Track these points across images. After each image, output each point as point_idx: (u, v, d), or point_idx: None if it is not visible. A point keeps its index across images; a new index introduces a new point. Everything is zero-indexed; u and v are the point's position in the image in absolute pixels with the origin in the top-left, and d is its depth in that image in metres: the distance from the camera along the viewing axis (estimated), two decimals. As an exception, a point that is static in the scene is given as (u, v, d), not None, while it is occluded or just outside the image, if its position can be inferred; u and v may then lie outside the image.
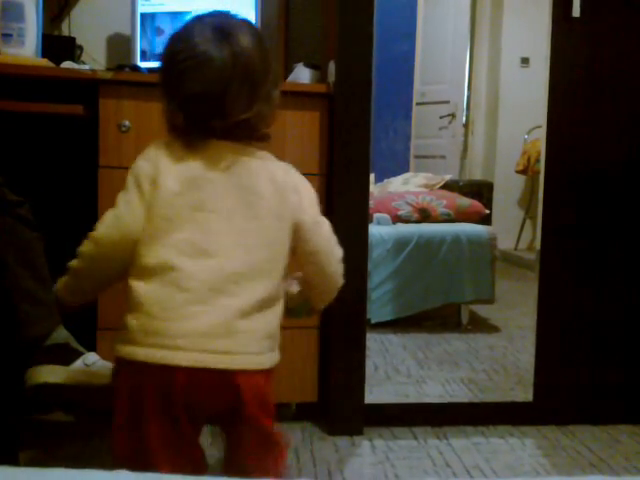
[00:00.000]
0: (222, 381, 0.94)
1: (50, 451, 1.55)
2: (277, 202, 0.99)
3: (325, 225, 1.07)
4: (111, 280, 1.04)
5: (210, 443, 1.38)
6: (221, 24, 0.99)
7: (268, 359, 0.98)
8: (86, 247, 1.01)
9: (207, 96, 0.96)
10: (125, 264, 0.98)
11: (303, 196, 1.03)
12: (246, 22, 1.04)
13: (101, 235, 0.99)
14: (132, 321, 0.94)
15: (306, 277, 1.10)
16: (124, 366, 0.95)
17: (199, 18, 1.01)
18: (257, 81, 0.99)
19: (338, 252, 1.09)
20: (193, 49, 0.96)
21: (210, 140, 0.99)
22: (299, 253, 1.04)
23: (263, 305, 0.97)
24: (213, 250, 0.95)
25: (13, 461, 1.35)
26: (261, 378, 0.97)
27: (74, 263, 1.03)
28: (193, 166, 0.97)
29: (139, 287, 0.94)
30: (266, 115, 1.01)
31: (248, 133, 1.00)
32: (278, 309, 1.00)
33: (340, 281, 1.11)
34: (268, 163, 1.02)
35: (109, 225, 0.98)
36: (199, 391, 0.93)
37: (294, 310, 1.13)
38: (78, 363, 1.32)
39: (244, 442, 1.00)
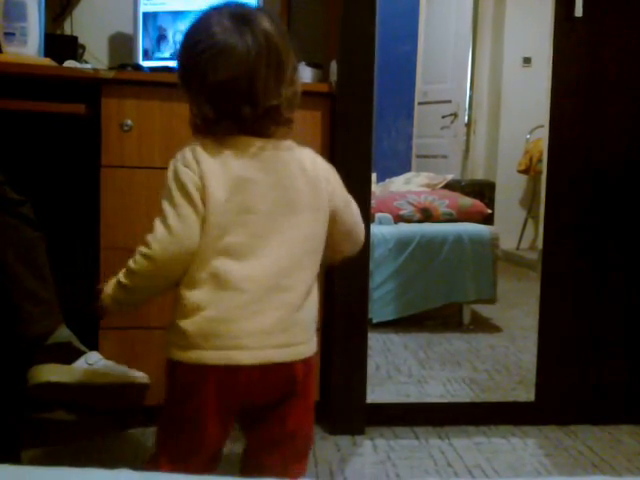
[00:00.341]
0: (282, 373, 0.98)
1: (52, 450, 1.55)
2: (312, 194, 1.01)
3: (353, 203, 1.11)
4: (164, 291, 1.01)
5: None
6: (238, 11, 0.98)
7: (315, 343, 1.04)
8: (142, 265, 0.96)
9: (235, 82, 0.95)
10: (180, 276, 0.97)
11: (333, 182, 1.05)
12: (261, 8, 1.05)
13: (159, 253, 0.94)
14: (189, 327, 0.94)
15: (336, 246, 1.11)
16: (184, 370, 0.96)
17: (214, 8, 0.99)
18: (282, 64, 0.98)
19: (362, 223, 1.14)
20: (213, 38, 0.95)
21: (240, 137, 0.98)
22: (335, 234, 1.07)
23: (308, 294, 1.01)
24: (261, 250, 0.96)
25: (15, 460, 1.36)
26: (311, 361, 1.03)
27: (127, 281, 0.99)
28: (234, 168, 0.96)
29: (192, 294, 0.95)
30: (292, 100, 1.00)
31: (276, 119, 0.99)
32: (316, 294, 1.04)
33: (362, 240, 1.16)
34: (295, 152, 1.02)
35: (165, 242, 0.94)
36: (261, 386, 0.97)
37: None
38: (80, 362, 1.33)
39: (276, 435, 1.02)
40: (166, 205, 0.95)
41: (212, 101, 0.96)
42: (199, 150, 0.97)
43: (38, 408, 1.58)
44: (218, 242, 0.95)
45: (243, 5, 1.02)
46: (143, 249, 0.95)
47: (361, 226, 1.14)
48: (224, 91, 0.95)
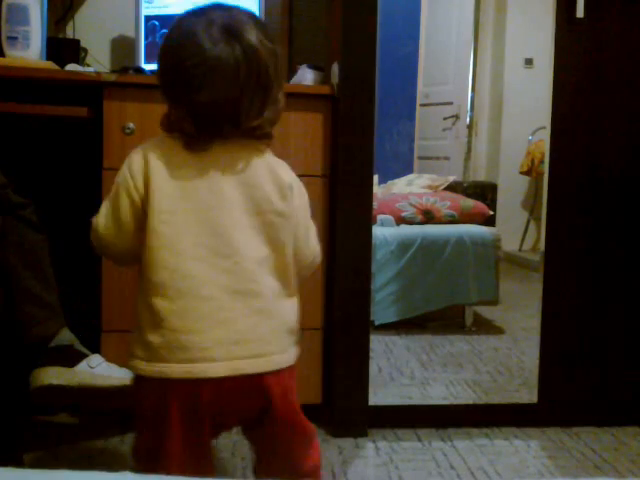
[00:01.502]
0: (251, 385, 0.92)
1: (54, 453, 1.55)
2: (278, 198, 0.96)
3: (313, 231, 1.05)
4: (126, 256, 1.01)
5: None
6: (228, 21, 0.92)
7: (292, 355, 0.98)
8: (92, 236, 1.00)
9: (220, 103, 0.91)
10: (130, 255, 0.98)
11: (300, 197, 1.01)
12: (250, 15, 0.96)
13: (95, 236, 0.99)
14: (154, 338, 0.90)
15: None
16: (148, 383, 0.92)
17: (200, 14, 0.94)
18: (270, 84, 0.94)
19: (318, 256, 1.07)
20: (202, 53, 0.90)
21: (214, 140, 0.95)
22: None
23: (281, 302, 0.96)
24: (227, 251, 0.92)
25: (17, 462, 1.36)
26: (286, 374, 0.96)
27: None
28: (194, 167, 0.93)
29: (157, 302, 0.90)
30: (273, 119, 0.97)
31: (254, 135, 0.96)
32: (295, 304, 0.99)
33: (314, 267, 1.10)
34: (267, 157, 0.99)
35: (97, 230, 0.98)
36: (229, 399, 0.92)
37: None
38: (82, 365, 1.33)
39: (276, 440, 0.98)
40: (105, 201, 0.98)
41: (193, 117, 0.92)
42: (151, 153, 0.93)
43: (40, 411, 1.59)
44: (176, 243, 0.90)
45: (232, 10, 0.95)
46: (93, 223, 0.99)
47: (315, 262, 1.07)
48: (207, 110, 0.92)
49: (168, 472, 0.89)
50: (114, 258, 1.05)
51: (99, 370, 1.34)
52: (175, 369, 0.89)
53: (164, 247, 0.91)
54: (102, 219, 0.97)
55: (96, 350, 1.45)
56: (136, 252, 0.95)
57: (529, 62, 4.00)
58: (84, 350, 1.38)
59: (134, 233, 0.95)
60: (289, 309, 0.98)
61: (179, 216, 0.91)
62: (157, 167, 0.93)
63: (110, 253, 1.02)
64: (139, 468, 0.96)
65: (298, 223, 1.00)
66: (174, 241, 0.91)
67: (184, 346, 0.89)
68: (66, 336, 1.37)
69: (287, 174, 1.00)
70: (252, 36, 0.92)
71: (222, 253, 0.92)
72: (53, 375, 1.29)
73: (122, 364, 1.41)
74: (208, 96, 0.91)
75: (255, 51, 0.92)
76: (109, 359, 1.40)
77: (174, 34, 0.96)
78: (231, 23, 0.92)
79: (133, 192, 0.93)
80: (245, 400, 0.93)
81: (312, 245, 1.05)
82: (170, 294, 0.90)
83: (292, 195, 0.99)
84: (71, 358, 1.33)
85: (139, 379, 0.94)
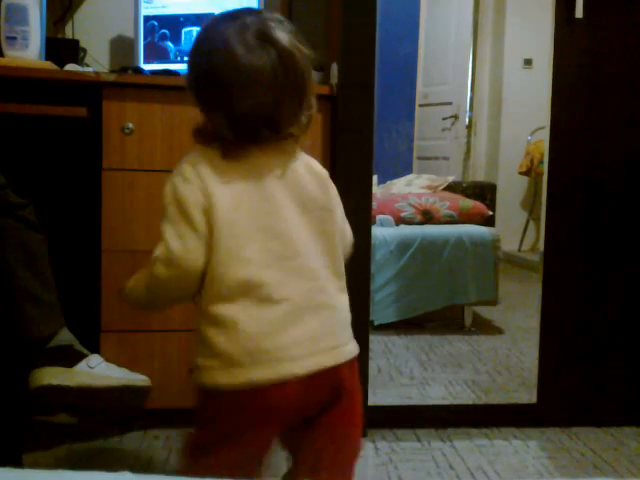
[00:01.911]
0: (330, 377, 0.93)
1: (53, 453, 1.55)
2: (322, 193, 0.98)
3: (347, 225, 1.07)
4: (178, 302, 0.99)
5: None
6: (261, 26, 0.90)
7: (355, 346, 1.00)
8: (149, 282, 0.94)
9: (259, 110, 0.90)
10: (193, 290, 0.92)
11: (333, 186, 1.02)
12: (280, 19, 0.95)
13: (165, 276, 0.91)
14: (230, 348, 0.88)
15: None
16: (228, 395, 0.89)
17: (233, 19, 0.92)
18: (304, 89, 0.93)
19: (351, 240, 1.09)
20: (238, 59, 0.88)
21: (252, 146, 0.94)
22: None
23: (340, 295, 0.98)
24: (290, 253, 0.92)
25: (16, 463, 1.36)
26: (354, 363, 0.99)
27: (139, 293, 0.96)
28: (239, 175, 0.92)
29: (225, 311, 0.89)
30: (306, 125, 0.97)
31: (286, 138, 0.96)
32: (346, 296, 1.01)
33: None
34: (301, 155, 1.00)
35: (168, 264, 0.90)
36: (310, 395, 0.92)
37: None
38: (81, 365, 1.33)
39: (333, 427, 0.96)
40: (166, 227, 0.90)
41: (233, 125, 0.91)
42: (198, 162, 0.92)
43: (40, 411, 1.59)
44: (241, 252, 0.90)
45: (261, 14, 0.94)
46: (151, 266, 0.91)
47: (349, 248, 1.08)
48: (246, 117, 0.91)
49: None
50: (179, 294, 0.95)
51: (98, 370, 1.34)
52: (261, 375, 0.88)
53: (231, 258, 0.89)
54: (175, 243, 0.89)
55: (95, 350, 1.45)
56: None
57: (528, 62, 4.01)
58: (83, 350, 1.38)
59: (201, 256, 0.90)
60: (345, 301, 1.00)
61: (240, 226, 0.91)
62: (208, 177, 0.91)
63: (182, 286, 0.92)
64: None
65: (337, 211, 1.02)
66: (240, 251, 0.90)
67: (265, 350, 0.89)
68: (65, 336, 1.37)
69: (320, 167, 1.02)
70: (286, 40, 0.91)
71: (286, 256, 0.92)
72: (52, 375, 1.29)
73: (121, 364, 1.42)
74: (247, 103, 0.90)
75: (290, 55, 0.91)
76: (108, 359, 1.40)
77: (207, 41, 0.93)
78: (264, 28, 0.90)
79: (200, 204, 0.89)
80: (322, 392, 0.94)
81: (348, 230, 1.08)
82: (243, 302, 0.89)
83: (329, 186, 1.01)
84: (70, 358, 1.33)
85: (212, 393, 0.90)
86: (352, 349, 0.98)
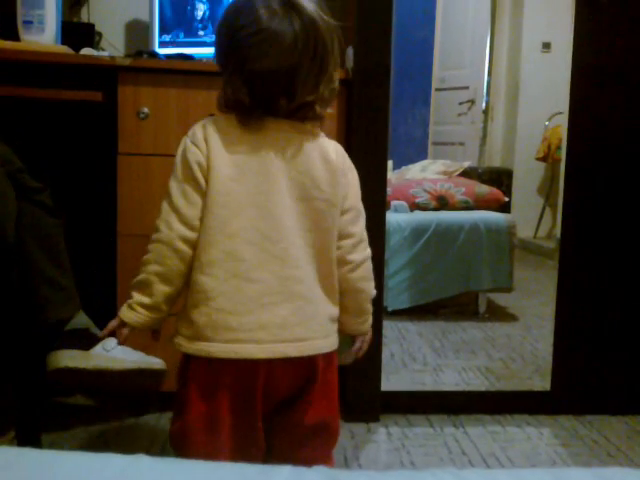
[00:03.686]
0: (300, 365, 0.95)
1: (71, 434, 1.57)
2: (329, 186, 0.96)
3: (362, 216, 1.04)
4: (179, 280, 0.96)
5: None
6: None
7: (334, 341, 1.00)
8: (152, 249, 0.95)
9: (277, 73, 0.91)
10: (191, 257, 0.94)
11: (350, 181, 1.01)
12: None
13: (166, 233, 0.93)
14: (199, 317, 0.91)
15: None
16: (197, 362, 0.93)
17: None
18: (326, 58, 0.94)
19: (367, 252, 1.06)
20: (259, 23, 0.90)
21: (267, 118, 0.95)
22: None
23: (324, 290, 0.97)
24: (276, 236, 0.92)
25: (36, 443, 1.38)
26: (333, 357, 1.00)
27: (142, 275, 0.96)
28: (248, 147, 0.93)
29: (205, 281, 0.91)
30: (328, 98, 0.97)
31: (307, 114, 0.96)
32: (336, 292, 1.00)
33: (372, 291, 1.09)
34: (320, 140, 0.99)
35: (171, 220, 0.93)
36: (278, 380, 0.94)
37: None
38: (98, 348, 1.34)
39: (308, 409, 0.98)
40: (172, 183, 0.94)
41: (249, 87, 0.92)
42: (211, 127, 0.94)
43: (57, 393, 1.61)
44: (228, 224, 0.91)
45: None
46: (153, 235, 0.95)
47: (365, 258, 1.05)
48: (264, 80, 0.92)
49: (216, 452, 0.92)
50: (182, 257, 0.94)
51: (114, 353, 1.35)
52: (220, 348, 0.91)
53: (218, 228, 0.91)
54: (179, 200, 0.93)
55: (111, 334, 1.46)
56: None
57: (547, 46, 3.94)
58: (100, 333, 1.40)
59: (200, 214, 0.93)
60: (330, 296, 0.99)
61: (233, 197, 0.92)
62: (216, 143, 0.93)
63: (182, 248, 0.93)
64: (181, 447, 0.96)
65: (350, 206, 1.00)
66: (228, 222, 0.91)
67: (230, 326, 0.90)
68: (82, 320, 1.38)
69: (340, 158, 0.99)
70: (310, 9, 0.92)
71: (272, 238, 0.92)
72: (69, 358, 1.30)
73: (136, 347, 1.43)
74: (264, 65, 0.91)
75: (313, 23, 0.92)
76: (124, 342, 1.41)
77: (232, 10, 0.96)
78: None
79: (203, 164, 0.93)
80: (293, 378, 0.96)
81: (362, 246, 1.05)
82: (219, 274, 0.91)
83: (344, 180, 0.99)
84: (87, 341, 1.34)
85: (187, 357, 0.95)
86: (325, 344, 0.97)
